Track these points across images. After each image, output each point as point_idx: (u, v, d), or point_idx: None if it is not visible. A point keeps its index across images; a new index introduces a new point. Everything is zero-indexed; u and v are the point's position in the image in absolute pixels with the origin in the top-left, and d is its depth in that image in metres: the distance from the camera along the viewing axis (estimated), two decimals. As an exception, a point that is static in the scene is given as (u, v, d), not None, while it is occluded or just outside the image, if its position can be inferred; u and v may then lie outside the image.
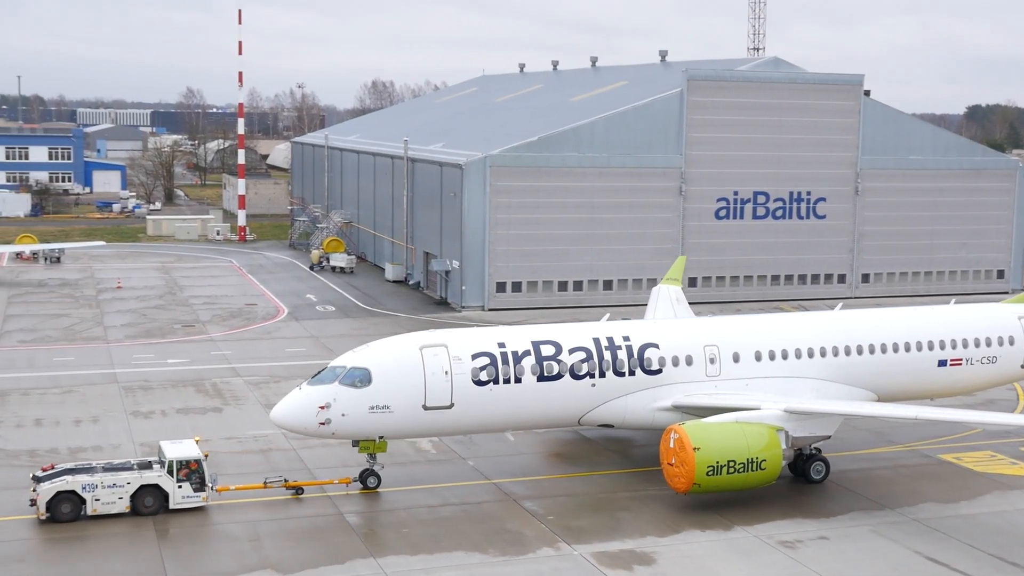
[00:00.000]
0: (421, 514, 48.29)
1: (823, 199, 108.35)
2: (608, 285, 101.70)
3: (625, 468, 55.14)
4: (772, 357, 55.09)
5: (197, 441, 49.99)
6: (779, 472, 48.93)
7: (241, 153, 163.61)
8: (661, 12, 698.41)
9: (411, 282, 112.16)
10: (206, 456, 48.03)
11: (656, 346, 53.17)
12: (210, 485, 47.64)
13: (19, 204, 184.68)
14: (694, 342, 54.28)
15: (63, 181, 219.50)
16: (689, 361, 53.47)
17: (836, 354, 56.31)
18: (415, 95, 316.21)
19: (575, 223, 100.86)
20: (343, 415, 48.14)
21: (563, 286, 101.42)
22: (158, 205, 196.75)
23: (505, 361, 50.36)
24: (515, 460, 55.88)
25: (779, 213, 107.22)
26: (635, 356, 52.55)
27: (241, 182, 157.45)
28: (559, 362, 51.23)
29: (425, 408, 49.01)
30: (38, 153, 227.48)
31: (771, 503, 49.90)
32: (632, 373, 52.45)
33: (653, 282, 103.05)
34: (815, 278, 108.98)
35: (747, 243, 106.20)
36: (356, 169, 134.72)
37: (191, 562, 42.49)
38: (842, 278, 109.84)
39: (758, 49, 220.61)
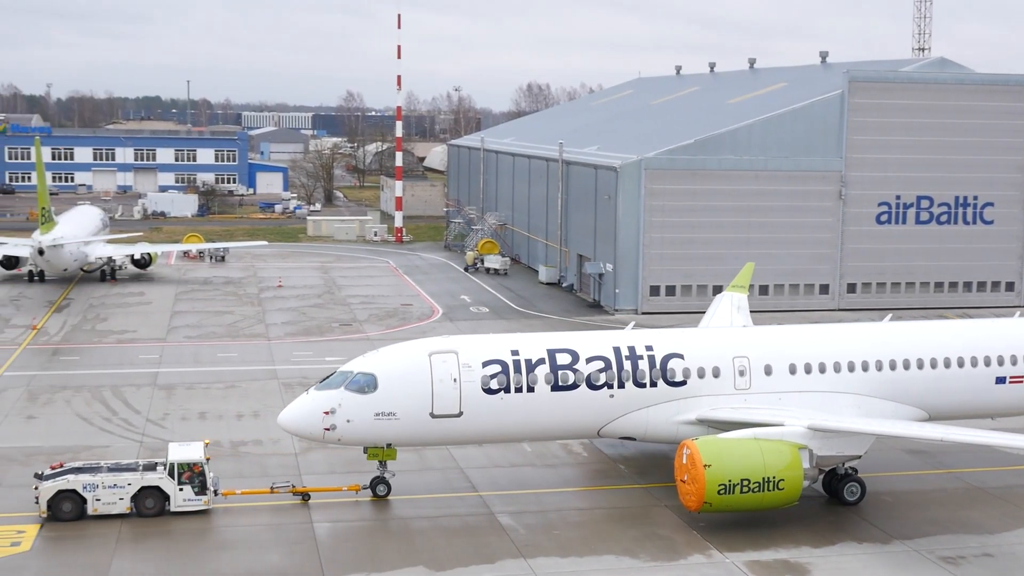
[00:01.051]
0: (571, 516, 48.28)
1: (990, 204, 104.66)
2: (764, 290, 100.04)
3: (932, 470, 54.91)
4: (808, 370, 52.21)
5: (207, 444, 50.11)
6: (799, 493, 46.19)
7: (399, 155, 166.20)
8: (820, 13, 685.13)
9: (564, 284, 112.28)
10: (208, 460, 47.77)
11: (680, 356, 50.89)
12: (212, 489, 47.52)
13: (187, 205, 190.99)
14: (722, 353, 51.86)
15: (228, 182, 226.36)
16: (716, 373, 51.06)
17: (880, 368, 52.96)
18: (571, 98, 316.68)
19: (730, 227, 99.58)
20: (348, 421, 47.45)
21: (718, 290, 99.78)
22: (318, 206, 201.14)
23: (517, 369, 48.88)
24: (669, 464, 55.25)
25: (943, 218, 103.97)
26: (657, 367, 50.45)
27: (398, 184, 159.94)
28: (575, 371, 49.54)
29: (432, 416, 47.92)
30: (205, 155, 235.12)
31: (932, 515, 48.43)
32: (654, 384, 50.32)
33: (810, 288, 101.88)
34: (981, 286, 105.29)
35: (909, 249, 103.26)
36: (511, 171, 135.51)
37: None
38: (1010, 286, 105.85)
39: (923, 49, 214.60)
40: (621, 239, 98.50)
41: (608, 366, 49.96)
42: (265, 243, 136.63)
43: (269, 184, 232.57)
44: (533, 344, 50.42)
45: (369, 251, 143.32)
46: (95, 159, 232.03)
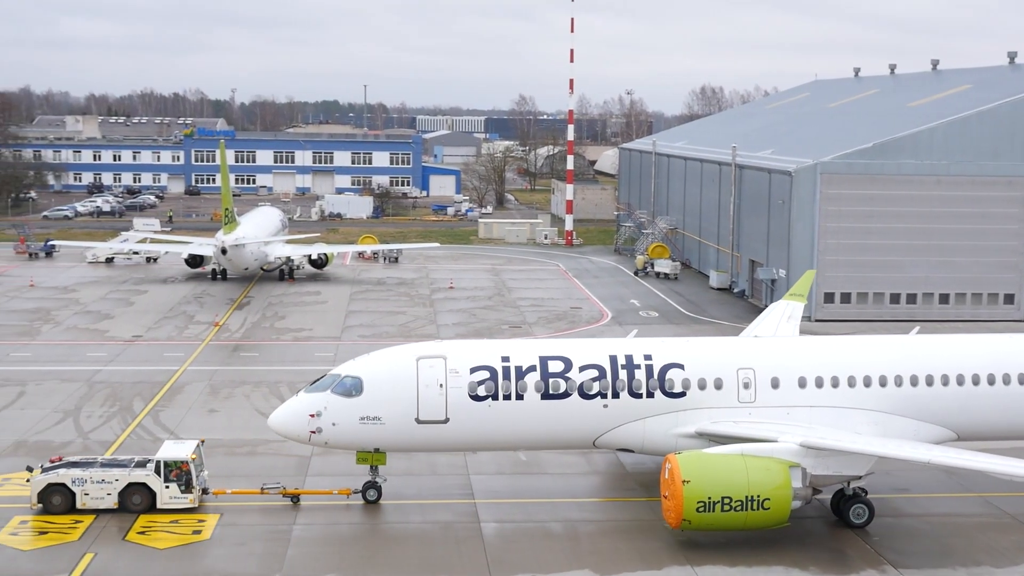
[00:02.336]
0: (741, 526, 47.54)
1: None
2: (944, 299, 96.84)
3: (960, 492, 52.23)
4: (820, 384, 49.32)
5: (202, 442, 50.51)
6: (788, 513, 43.79)
7: (570, 159, 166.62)
8: (1008, 12, 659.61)
9: (736, 290, 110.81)
10: (193, 459, 47.88)
11: (680, 367, 48.77)
12: (198, 487, 47.69)
13: (362, 206, 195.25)
14: (725, 364, 49.47)
15: (402, 185, 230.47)
16: (719, 385, 48.74)
17: (900, 384, 49.62)
18: (744, 101, 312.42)
19: (910, 233, 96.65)
20: (334, 424, 46.99)
21: (895, 298, 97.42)
22: (489, 209, 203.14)
23: (507, 376, 47.62)
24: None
25: None
26: (655, 377, 48.43)
27: (569, 187, 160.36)
28: (567, 380, 47.98)
29: (418, 422, 47.09)
30: (380, 158, 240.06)
31: (947, 542, 45.52)
32: (651, 395, 48.31)
33: (994, 298, 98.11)
34: None
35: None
36: (683, 175, 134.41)
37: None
38: None
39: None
40: (795, 245, 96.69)
41: (602, 375, 48.25)
42: (437, 245, 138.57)
43: (442, 187, 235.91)
44: (525, 351, 49.30)
45: (539, 254, 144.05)
46: (275, 162, 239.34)
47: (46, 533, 45.42)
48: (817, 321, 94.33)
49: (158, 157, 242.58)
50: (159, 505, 47.44)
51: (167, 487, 47.44)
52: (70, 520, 46.64)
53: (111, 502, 47.36)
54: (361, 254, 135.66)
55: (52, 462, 48.85)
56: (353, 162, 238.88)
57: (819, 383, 49.30)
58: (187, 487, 47.58)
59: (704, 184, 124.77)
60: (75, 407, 65.31)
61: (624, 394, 48.19)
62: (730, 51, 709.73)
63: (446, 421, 47.20)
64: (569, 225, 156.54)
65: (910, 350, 52.09)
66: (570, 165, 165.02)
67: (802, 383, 49.22)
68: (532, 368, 47.94)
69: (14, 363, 76.97)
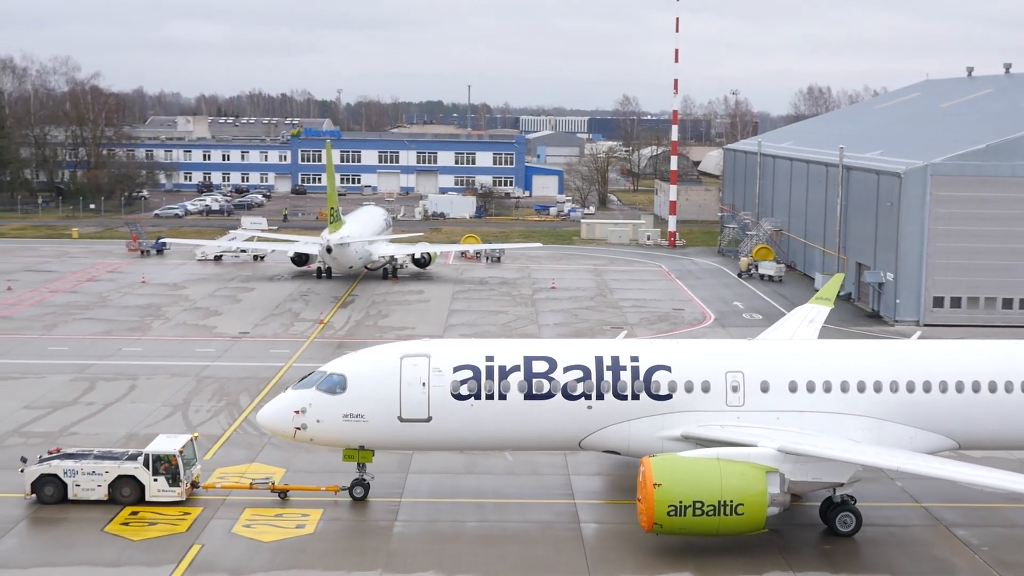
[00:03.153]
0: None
1: None
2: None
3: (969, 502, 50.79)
4: (811, 389, 47.99)
5: (196, 438, 51.10)
6: (763, 519, 42.86)
7: (674, 159, 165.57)
8: None
9: (842, 293, 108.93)
10: (181, 453, 48.36)
11: (667, 369, 47.90)
12: (185, 481, 48.17)
13: (465, 206, 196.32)
14: (713, 367, 48.43)
15: (505, 185, 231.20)
16: (706, 388, 47.72)
17: (895, 390, 48.04)
18: (852, 101, 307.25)
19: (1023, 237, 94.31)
20: (318, 421, 47.22)
21: (1008, 303, 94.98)
22: (592, 209, 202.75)
23: (490, 376, 47.24)
24: (949, 484, 52.70)
25: None
26: (640, 379, 47.65)
27: (673, 188, 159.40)
28: (550, 380, 47.43)
29: (401, 420, 47.07)
30: (484, 158, 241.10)
31: (931, 552, 44.25)
32: (636, 397, 47.52)
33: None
34: None
35: None
36: (788, 176, 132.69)
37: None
38: None
39: None
40: (903, 247, 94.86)
41: (587, 376, 47.62)
42: (539, 245, 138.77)
43: (544, 187, 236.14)
44: (510, 350, 48.88)
45: (642, 255, 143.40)
46: (380, 161, 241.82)
47: (155, 524, 46.46)
48: (926, 326, 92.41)
49: (266, 157, 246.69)
50: (147, 498, 48.12)
51: (155, 480, 48.17)
52: (179, 512, 47.66)
53: (101, 494, 48.23)
54: (464, 253, 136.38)
55: (50, 453, 49.92)
56: (456, 162, 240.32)
57: (811, 387, 48.07)
58: (174, 481, 48.23)
59: (810, 185, 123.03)
60: (184, 401, 66.72)
61: (609, 395, 47.61)
62: (837, 51, 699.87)
63: (429, 420, 47.18)
64: (672, 226, 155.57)
65: (907, 355, 50.81)
66: (674, 166, 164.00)
67: (792, 387, 48.10)
68: (516, 368, 47.61)
69: (126, 357, 78.86)
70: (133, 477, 48.26)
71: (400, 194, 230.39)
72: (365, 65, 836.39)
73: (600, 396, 47.52)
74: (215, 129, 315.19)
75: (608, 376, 47.67)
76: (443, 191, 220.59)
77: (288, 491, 49.76)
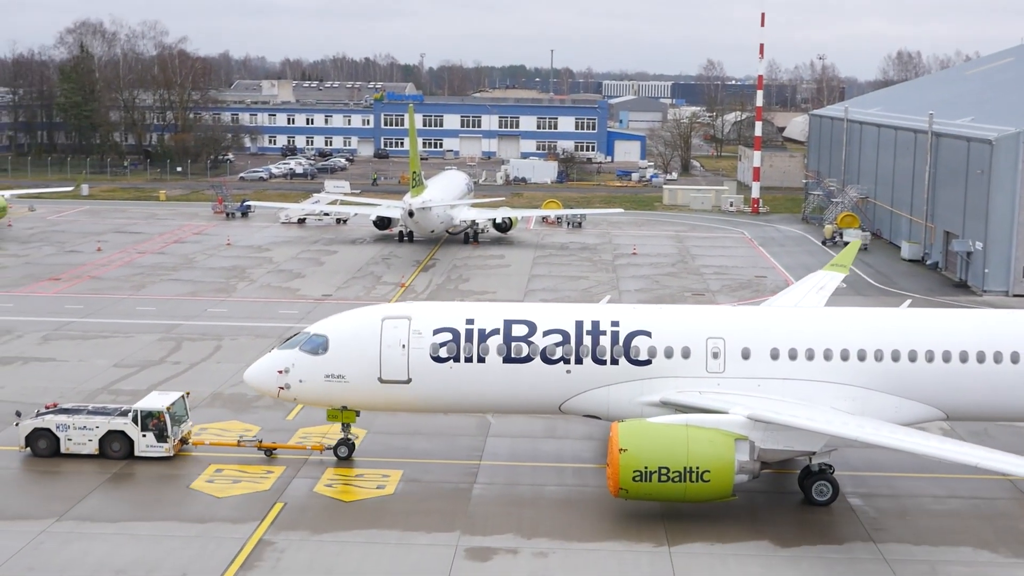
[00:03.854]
0: (927, 504, 46.33)
1: None
2: None
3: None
4: (794, 356, 47.18)
5: (187, 395, 51.89)
6: (731, 486, 42.51)
7: (758, 125, 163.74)
8: None
9: (929, 262, 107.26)
10: (169, 410, 49.15)
11: (647, 334, 47.39)
12: (172, 438, 49.03)
13: (547, 171, 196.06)
14: (694, 333, 47.74)
15: (587, 150, 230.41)
16: (686, 354, 47.13)
17: (880, 359, 47.09)
18: (943, 66, 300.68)
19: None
20: (300, 381, 47.65)
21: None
22: (674, 175, 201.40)
23: (469, 339, 47.26)
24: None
25: None
26: (620, 343, 47.18)
27: (757, 154, 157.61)
28: (529, 344, 47.26)
29: (381, 381, 47.32)
30: (566, 123, 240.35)
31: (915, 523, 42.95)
32: (615, 362, 47.09)
33: None
34: None
35: None
36: (875, 143, 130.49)
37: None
38: None
39: None
40: (993, 216, 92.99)
41: (566, 340, 47.37)
42: (621, 211, 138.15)
43: (627, 152, 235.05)
44: (490, 314, 48.85)
45: (724, 221, 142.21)
46: (462, 126, 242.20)
47: (239, 482, 47.33)
48: (1015, 296, 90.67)
49: (349, 121, 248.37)
50: (136, 453, 49.17)
51: (144, 436, 49.17)
52: (262, 470, 48.52)
53: (92, 448, 49.30)
54: (545, 219, 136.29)
55: (47, 408, 51.02)
56: (539, 127, 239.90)
57: (792, 355, 47.34)
58: (161, 437, 49.22)
59: (898, 152, 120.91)
60: (268, 362, 67.55)
61: (587, 360, 47.35)
62: (928, 15, 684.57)
63: (408, 381, 47.41)
64: (756, 193, 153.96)
65: (893, 324, 49.68)
66: (758, 131, 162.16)
67: (774, 355, 47.34)
68: (495, 331, 47.62)
69: (211, 318, 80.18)
70: (123, 432, 49.38)
71: (482, 159, 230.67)
72: (448, 29, 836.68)
73: (579, 360, 47.39)
74: (299, 93, 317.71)
75: (587, 340, 47.50)
76: (525, 156, 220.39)
77: (275, 449, 50.49)
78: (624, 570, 39.89)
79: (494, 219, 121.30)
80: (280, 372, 48.02)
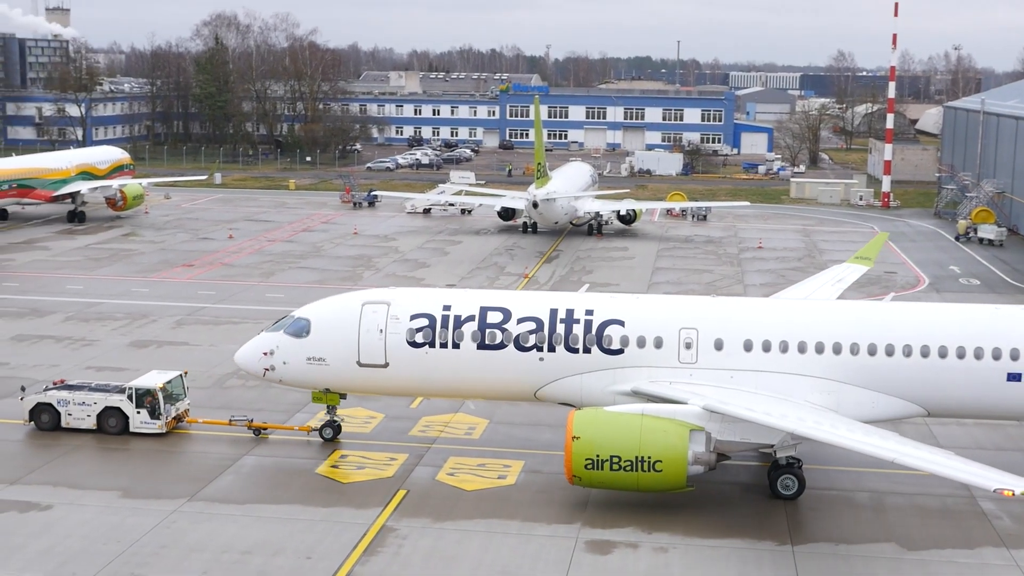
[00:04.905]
0: (1064, 510, 44.87)
1: None
2: None
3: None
4: (767, 348, 46.49)
5: (184, 374, 53.37)
6: (684, 477, 42.20)
7: (890, 117, 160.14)
8: None
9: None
10: (162, 388, 50.63)
11: (620, 323, 47.18)
12: (164, 415, 50.55)
13: (672, 163, 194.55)
14: (667, 323, 47.43)
15: (713, 142, 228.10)
16: (658, 344, 46.83)
17: (856, 352, 46.16)
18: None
19: None
20: (284, 363, 48.65)
21: None
22: (802, 168, 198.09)
23: (444, 325, 47.74)
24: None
25: None
26: (592, 332, 47.08)
27: (888, 147, 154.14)
28: (503, 331, 47.49)
29: (360, 364, 48.05)
30: (692, 115, 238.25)
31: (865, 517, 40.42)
32: (587, 351, 47.03)
33: None
34: None
35: None
36: (1014, 136, 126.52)
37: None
38: None
39: None
40: None
41: (539, 328, 47.49)
42: (747, 204, 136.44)
43: (753, 144, 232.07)
44: (467, 300, 49.17)
45: (853, 216, 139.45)
46: (587, 117, 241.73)
47: (363, 468, 48.03)
48: None
49: (474, 112, 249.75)
50: (131, 428, 50.88)
51: (138, 412, 50.83)
52: (386, 457, 49.15)
53: (90, 423, 51.13)
54: (669, 211, 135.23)
55: (55, 384, 53.07)
56: (664, 118, 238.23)
57: (766, 347, 46.76)
58: (153, 414, 50.78)
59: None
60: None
61: (560, 348, 47.42)
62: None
63: (386, 365, 48.11)
64: (886, 186, 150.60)
65: (871, 317, 48.83)
66: (889, 124, 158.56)
67: (748, 346, 46.80)
68: (471, 318, 48.00)
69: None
70: (119, 409, 51.08)
71: (606, 150, 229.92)
72: (574, 20, 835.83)
73: (551, 348, 47.54)
74: (426, 84, 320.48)
75: (560, 329, 47.63)
76: (650, 148, 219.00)
77: (265, 429, 51.82)
78: (745, 568, 39.44)
79: (618, 211, 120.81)
80: (265, 354, 49.23)
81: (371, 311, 48.47)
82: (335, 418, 51.15)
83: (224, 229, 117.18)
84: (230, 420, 52.27)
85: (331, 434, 51.04)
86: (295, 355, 48.80)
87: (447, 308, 48.44)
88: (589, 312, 48.03)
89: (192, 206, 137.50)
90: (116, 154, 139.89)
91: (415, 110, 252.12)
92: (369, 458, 49.17)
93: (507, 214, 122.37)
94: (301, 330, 48.89)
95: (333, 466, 48.30)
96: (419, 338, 47.98)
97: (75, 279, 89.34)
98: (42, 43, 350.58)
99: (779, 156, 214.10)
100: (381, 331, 48.04)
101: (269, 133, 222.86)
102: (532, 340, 47.66)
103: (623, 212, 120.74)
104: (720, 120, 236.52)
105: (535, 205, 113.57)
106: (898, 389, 46.60)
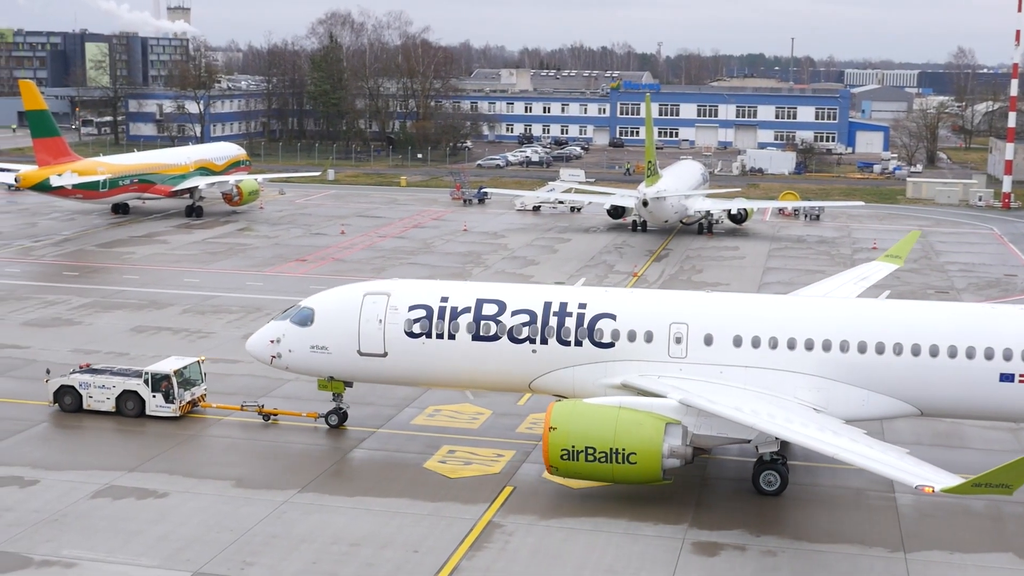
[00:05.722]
0: None
1: None
2: None
3: None
4: (756, 344, 46.55)
5: (202, 361, 55.47)
6: (659, 470, 42.56)
7: (1012, 116, 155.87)
8: None
9: None
10: (175, 373, 52.52)
11: (612, 317, 47.65)
12: (178, 400, 52.46)
13: (784, 162, 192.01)
14: (658, 317, 47.79)
15: (827, 141, 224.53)
16: (649, 338, 47.23)
17: (846, 350, 46.06)
18: None
19: None
20: (290, 351, 50.17)
21: None
22: (919, 168, 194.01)
23: (441, 316, 48.64)
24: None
25: None
26: (584, 325, 47.65)
27: (1010, 146, 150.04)
28: (498, 323, 48.20)
29: (360, 354, 49.17)
30: (805, 113, 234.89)
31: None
32: (579, 343, 47.60)
33: None
34: None
35: None
36: None
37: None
38: None
39: None
40: None
41: (533, 320, 48.14)
42: (861, 204, 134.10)
43: (868, 143, 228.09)
44: (464, 292, 49.93)
45: (972, 216, 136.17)
46: (698, 115, 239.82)
47: (471, 464, 48.34)
48: None
49: (585, 109, 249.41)
50: (147, 412, 52.91)
51: (154, 396, 52.85)
52: (493, 453, 49.42)
53: (109, 406, 53.32)
54: (781, 210, 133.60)
55: (80, 368, 55.35)
56: (777, 116, 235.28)
57: (755, 343, 46.80)
58: (168, 398, 52.61)
59: None
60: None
61: (552, 341, 47.96)
62: None
63: (385, 355, 49.14)
64: (1007, 187, 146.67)
65: (863, 314, 48.61)
66: (1012, 122, 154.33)
67: (737, 342, 46.93)
68: (467, 309, 48.70)
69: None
70: (136, 392, 53.12)
71: (718, 149, 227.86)
72: (686, 17, 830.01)
73: (544, 341, 48.09)
74: (537, 82, 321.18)
75: (553, 321, 48.13)
76: (762, 146, 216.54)
77: (275, 415, 53.46)
78: (856, 575, 38.77)
79: (729, 210, 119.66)
80: (272, 342, 50.80)
81: (371, 302, 49.70)
82: (341, 405, 52.41)
83: (336, 225, 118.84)
84: (242, 405, 54.19)
85: (336, 421, 52.40)
86: (300, 343, 50.31)
87: (444, 300, 49.46)
88: (582, 306, 48.65)
89: (305, 202, 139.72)
90: (233, 150, 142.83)
91: (525, 107, 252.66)
92: (476, 454, 49.47)
93: (617, 212, 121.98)
94: (306, 319, 50.35)
95: (441, 461, 48.68)
96: (416, 329, 49.05)
97: (192, 272, 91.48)
98: (163, 42, 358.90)
99: (895, 155, 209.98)
100: (380, 321, 49.24)
101: (381, 130, 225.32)
102: (525, 332, 48.37)
103: (734, 211, 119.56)
104: (834, 118, 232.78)
105: (645, 203, 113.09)
106: (889, 387, 46.39)
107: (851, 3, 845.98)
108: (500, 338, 48.49)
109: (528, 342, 48.29)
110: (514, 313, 48.60)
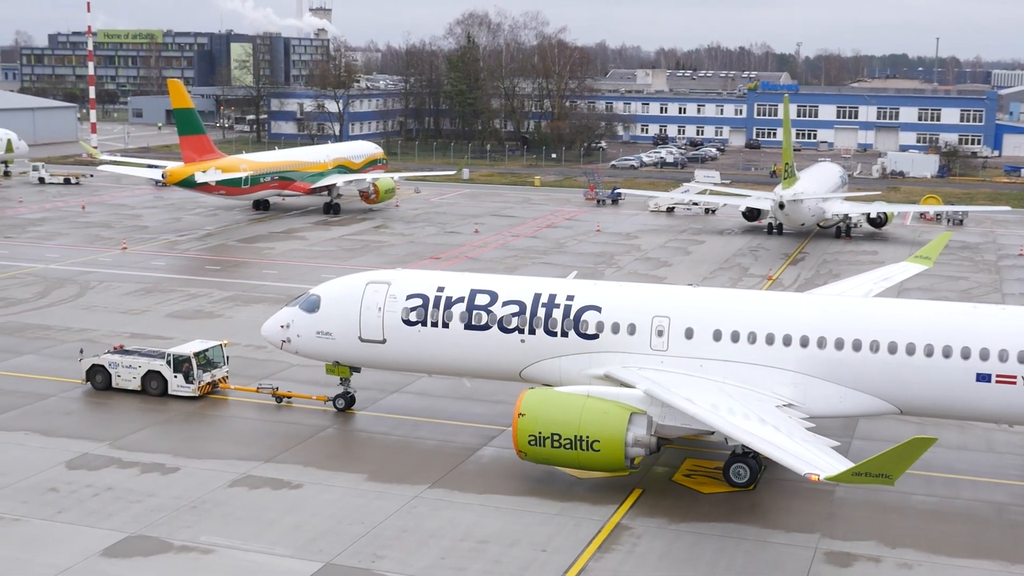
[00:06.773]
0: None
1: None
2: None
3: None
4: (736, 339, 47.11)
5: (225, 344, 58.13)
6: (622, 458, 43.29)
7: None
8: None
9: None
10: (195, 355, 55.40)
11: (597, 309, 48.79)
12: (197, 380, 55.24)
13: (927, 165, 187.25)
14: (641, 310, 48.69)
15: (972, 143, 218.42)
16: (632, 330, 48.16)
17: (823, 346, 46.30)
18: None
19: None
20: (298, 336, 52.52)
21: None
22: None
23: (436, 305, 50.28)
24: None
25: None
26: (570, 317, 48.84)
27: None
28: (489, 312, 49.73)
29: (361, 340, 51.15)
30: (949, 115, 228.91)
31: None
32: (565, 334, 48.85)
33: None
34: None
35: None
36: None
37: None
38: None
39: None
40: None
41: (522, 311, 49.47)
42: (1008, 209, 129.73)
43: (1016, 146, 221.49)
44: (460, 282, 51.52)
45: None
46: (838, 117, 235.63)
47: (600, 465, 48.16)
48: None
49: (721, 110, 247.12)
50: (170, 391, 55.78)
51: (176, 377, 55.71)
52: (622, 455, 49.18)
53: (135, 385, 56.39)
54: (923, 215, 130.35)
55: (115, 349, 58.36)
56: (919, 118, 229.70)
57: (735, 337, 47.38)
58: (188, 378, 55.43)
59: None
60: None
61: (540, 331, 49.28)
62: None
63: (384, 342, 51.11)
64: None
65: (843, 311, 48.66)
66: None
67: (717, 336, 47.62)
68: (461, 299, 50.35)
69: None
70: (159, 373, 56.00)
71: (857, 151, 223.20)
72: (826, 17, 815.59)
73: (532, 331, 49.47)
74: (672, 82, 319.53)
75: (541, 312, 49.45)
76: (903, 149, 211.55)
77: (288, 397, 55.64)
78: (997, 591, 37.66)
79: (868, 213, 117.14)
80: (282, 327, 53.23)
81: (373, 290, 51.65)
82: (348, 389, 54.40)
83: (470, 223, 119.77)
84: (257, 388, 56.61)
85: (343, 404, 54.41)
86: (307, 329, 52.52)
87: (440, 290, 51.16)
88: (570, 297, 49.83)
89: (440, 200, 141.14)
90: (370, 149, 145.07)
91: (661, 108, 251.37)
92: (605, 455, 49.24)
93: (752, 214, 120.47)
94: (313, 306, 52.49)
95: (569, 461, 48.64)
96: (413, 317, 50.87)
97: (329, 268, 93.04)
98: (304, 42, 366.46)
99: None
100: (380, 309, 51.16)
101: (516, 130, 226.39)
102: (515, 323, 49.80)
103: (873, 215, 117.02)
104: (980, 120, 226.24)
105: (781, 206, 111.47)
106: (866, 385, 46.40)
107: (999, 1, 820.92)
108: (491, 328, 50.13)
109: (517, 332, 49.83)
110: (505, 304, 50.20)
